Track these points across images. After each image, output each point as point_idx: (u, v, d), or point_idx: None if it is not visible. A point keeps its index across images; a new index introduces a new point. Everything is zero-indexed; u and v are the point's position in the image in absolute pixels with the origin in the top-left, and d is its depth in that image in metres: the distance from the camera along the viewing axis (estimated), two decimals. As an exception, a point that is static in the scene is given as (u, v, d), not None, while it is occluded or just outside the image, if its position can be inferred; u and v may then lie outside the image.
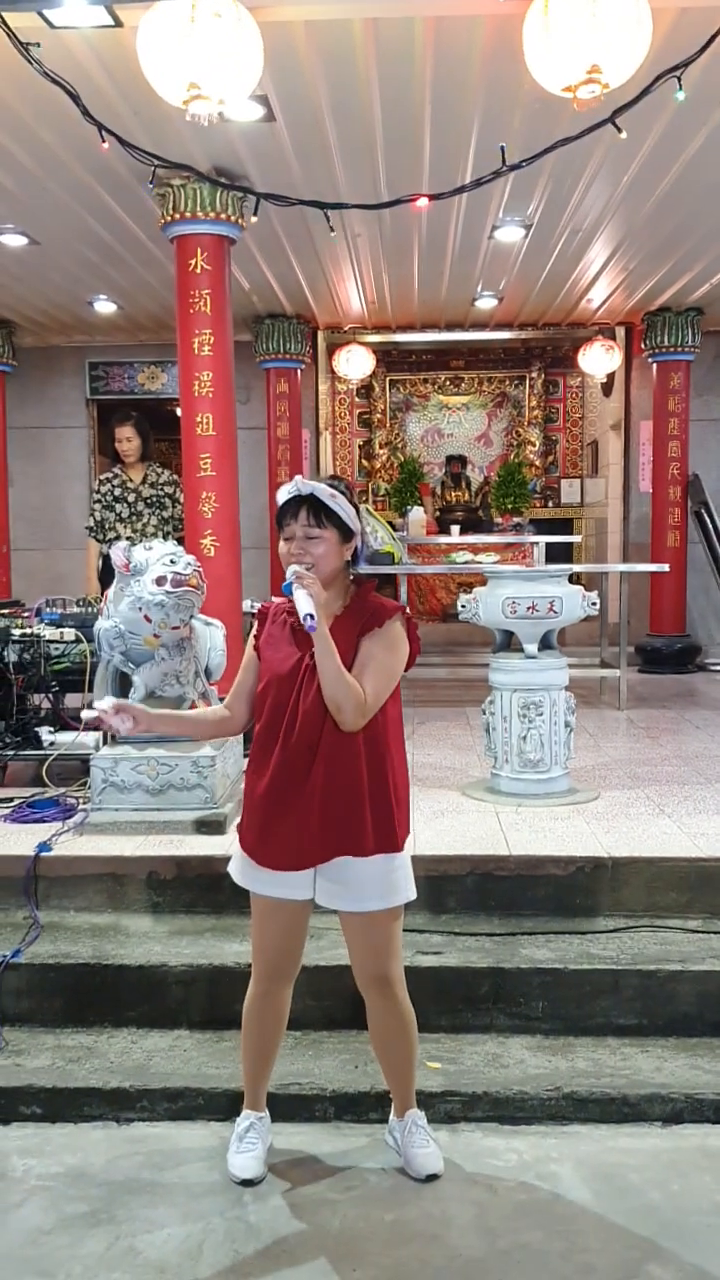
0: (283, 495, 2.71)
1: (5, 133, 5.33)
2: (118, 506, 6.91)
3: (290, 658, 2.76)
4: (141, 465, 6.94)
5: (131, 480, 6.93)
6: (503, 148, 4.37)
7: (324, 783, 2.71)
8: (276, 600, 2.93)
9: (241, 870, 2.90)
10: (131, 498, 6.90)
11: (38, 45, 3.82)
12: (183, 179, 5.74)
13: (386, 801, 2.77)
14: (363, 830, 2.74)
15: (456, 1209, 2.87)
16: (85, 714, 2.73)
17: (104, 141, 4.15)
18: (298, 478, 2.72)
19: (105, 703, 2.75)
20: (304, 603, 2.58)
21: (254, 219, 4.78)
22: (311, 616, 2.56)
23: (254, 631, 2.90)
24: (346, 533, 2.72)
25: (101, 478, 7.09)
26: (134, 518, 6.90)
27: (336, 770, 2.71)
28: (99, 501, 6.96)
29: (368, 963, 2.87)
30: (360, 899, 2.79)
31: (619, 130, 3.98)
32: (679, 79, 3.75)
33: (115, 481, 6.95)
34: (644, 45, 3.50)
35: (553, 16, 3.40)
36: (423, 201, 4.71)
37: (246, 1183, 2.95)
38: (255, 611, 2.97)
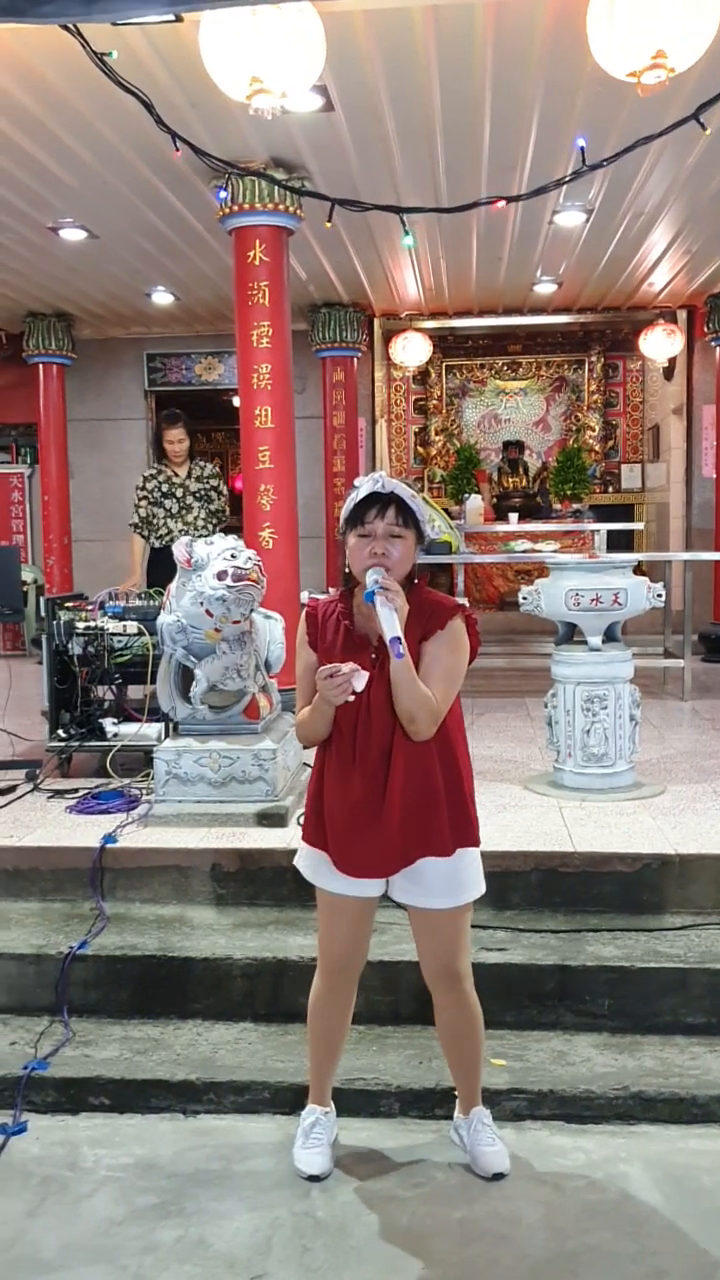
0: (362, 491, 2.63)
1: (67, 130, 5.37)
2: (166, 502, 6.91)
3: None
4: (187, 461, 6.96)
5: (177, 475, 6.92)
6: (583, 148, 4.26)
7: (402, 789, 2.69)
8: (322, 597, 2.89)
9: (311, 866, 2.90)
10: (179, 492, 6.91)
11: (111, 54, 3.81)
12: (242, 169, 5.73)
13: (461, 797, 2.77)
14: (442, 831, 2.73)
15: (524, 1208, 2.85)
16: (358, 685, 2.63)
17: (176, 150, 4.15)
18: (381, 475, 2.65)
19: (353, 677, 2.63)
20: (390, 623, 2.52)
21: (328, 225, 4.75)
22: (399, 641, 2.51)
23: (306, 634, 2.83)
24: (420, 534, 2.69)
25: (145, 475, 7.05)
26: (184, 511, 6.90)
27: (413, 775, 2.70)
28: (145, 498, 6.94)
29: (437, 958, 2.86)
30: (435, 895, 2.78)
31: (704, 128, 3.87)
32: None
33: (160, 478, 6.94)
34: (712, 28, 3.42)
35: (617, 1, 3.33)
36: (500, 204, 4.64)
37: (313, 1178, 2.96)
38: (304, 610, 2.92)
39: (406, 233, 4.68)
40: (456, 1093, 3.10)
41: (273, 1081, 3.36)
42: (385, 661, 2.66)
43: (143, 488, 7.01)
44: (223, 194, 5.55)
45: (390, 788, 2.69)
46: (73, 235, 7.22)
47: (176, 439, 6.88)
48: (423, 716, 2.62)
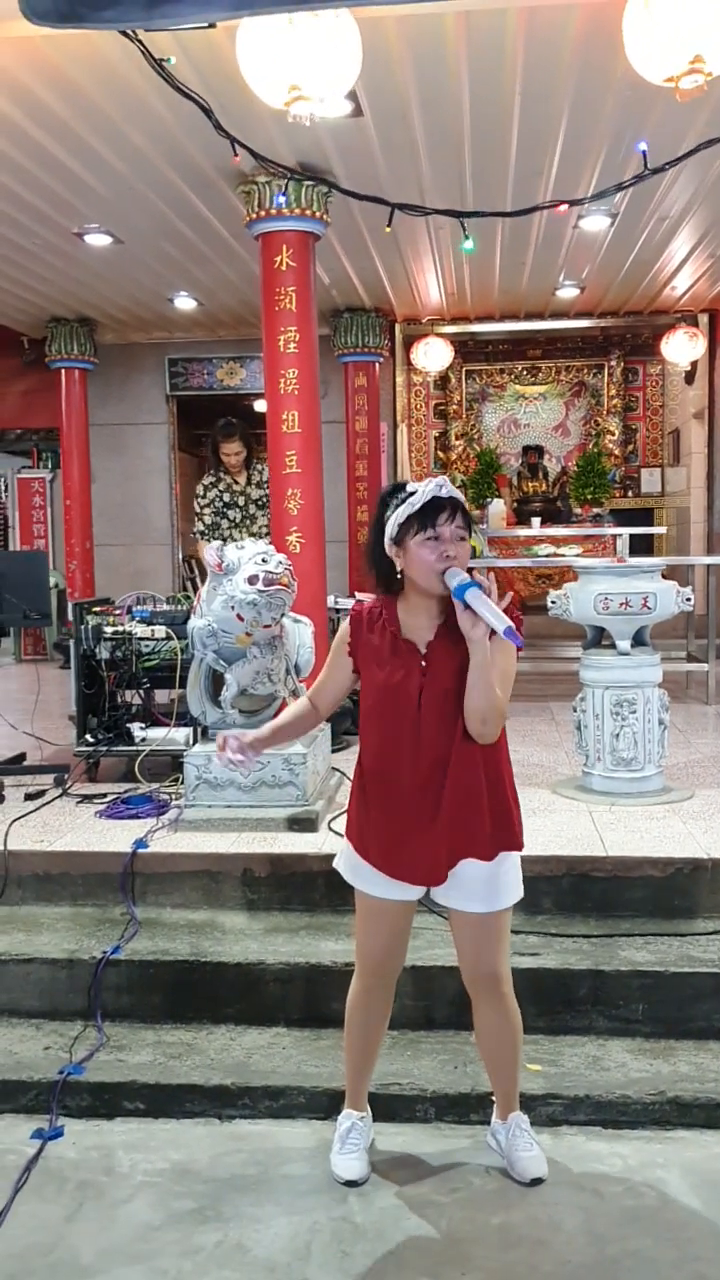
0: (426, 494, 2.62)
1: (95, 135, 5.39)
2: (230, 513, 6.86)
3: (398, 672, 2.70)
4: (245, 469, 6.90)
5: (237, 483, 6.86)
6: (644, 151, 4.25)
7: (452, 796, 2.69)
8: (365, 600, 2.88)
9: (352, 868, 2.89)
10: (242, 501, 6.86)
11: (170, 60, 3.83)
12: (269, 175, 5.75)
13: (504, 801, 2.78)
14: (483, 834, 2.74)
15: (563, 1214, 2.84)
16: (217, 761, 2.74)
17: (235, 155, 4.16)
18: (443, 480, 2.65)
19: (222, 759, 2.74)
20: (496, 614, 2.52)
21: (388, 230, 4.77)
22: (514, 630, 2.52)
23: (347, 636, 2.81)
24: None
25: (205, 483, 6.95)
26: (247, 521, 6.85)
27: (462, 782, 2.70)
28: (209, 506, 6.88)
29: (479, 961, 2.86)
30: (475, 899, 2.78)
31: None
32: None
33: (220, 487, 6.87)
34: (749, 31, 3.41)
35: (655, 6, 3.33)
36: (563, 208, 4.63)
37: (351, 1183, 2.95)
38: (348, 612, 2.88)
39: (466, 237, 4.65)
40: (494, 1097, 3.10)
41: (307, 1086, 3.35)
42: (434, 670, 2.67)
43: (203, 496, 6.91)
44: (281, 198, 5.57)
45: (445, 796, 2.69)
46: (98, 241, 7.25)
47: (234, 452, 6.79)
48: (494, 718, 2.63)
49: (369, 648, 2.76)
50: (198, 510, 6.95)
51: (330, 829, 4.46)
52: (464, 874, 2.75)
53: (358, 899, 2.90)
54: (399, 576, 2.69)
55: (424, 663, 2.68)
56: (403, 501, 2.65)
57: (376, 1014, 3.00)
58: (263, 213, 5.93)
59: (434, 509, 2.61)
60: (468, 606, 2.54)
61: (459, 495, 2.66)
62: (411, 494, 2.64)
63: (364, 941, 2.94)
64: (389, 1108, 3.27)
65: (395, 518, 2.65)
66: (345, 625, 2.83)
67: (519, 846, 2.83)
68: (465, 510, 2.65)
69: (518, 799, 2.87)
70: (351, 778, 2.93)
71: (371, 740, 2.79)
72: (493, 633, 2.56)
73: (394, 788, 2.73)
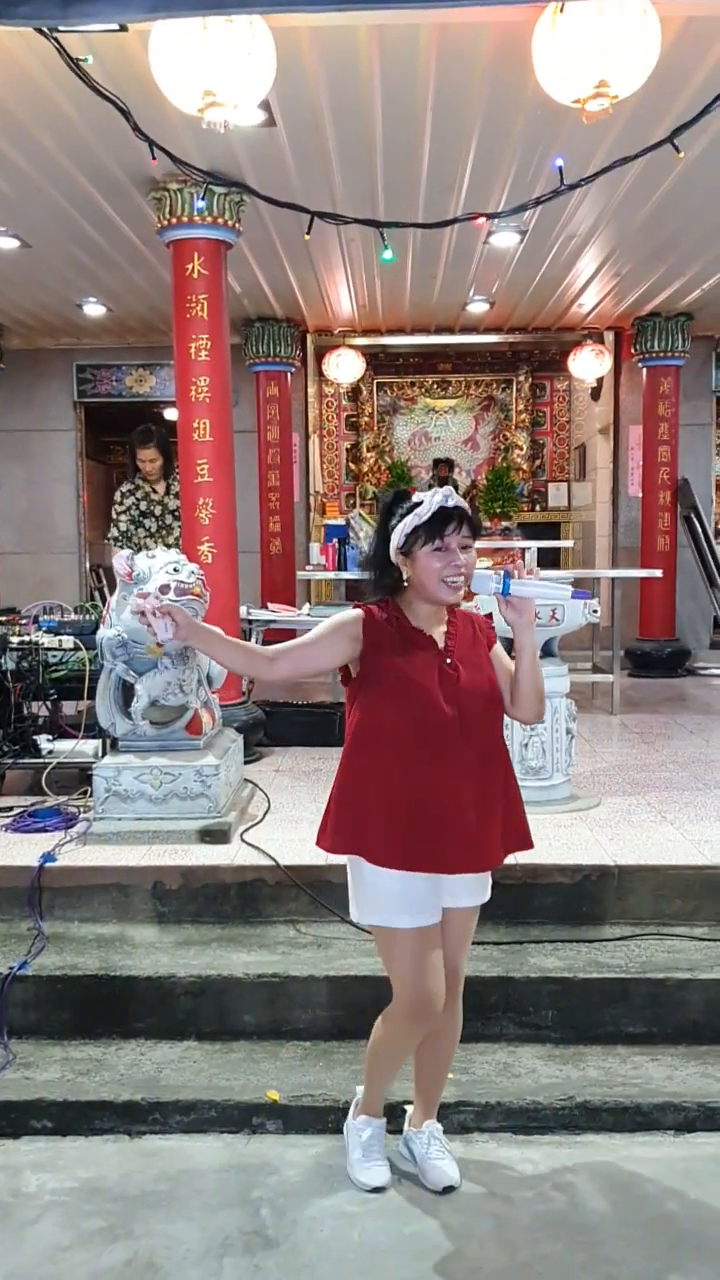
0: (432, 506, 2.63)
1: (3, 137, 5.29)
2: (146, 521, 6.83)
3: (418, 660, 2.68)
4: (164, 478, 6.86)
5: (155, 492, 6.84)
6: (560, 167, 4.31)
7: (503, 784, 2.78)
8: (371, 604, 2.78)
9: (406, 906, 2.72)
10: (158, 510, 6.83)
11: (87, 60, 3.78)
12: (180, 182, 5.72)
13: (518, 793, 2.88)
14: (525, 822, 2.86)
15: (475, 1221, 2.86)
16: (135, 602, 2.65)
17: (154, 158, 4.12)
18: (449, 490, 2.67)
19: (152, 601, 2.68)
20: (552, 586, 2.65)
21: (307, 237, 4.76)
22: (580, 592, 2.69)
23: (359, 625, 2.70)
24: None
25: (123, 490, 6.93)
26: (163, 531, 6.81)
27: (505, 770, 2.79)
28: (125, 513, 6.85)
29: (454, 958, 2.90)
30: (480, 891, 2.90)
31: (678, 151, 3.98)
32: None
33: (138, 494, 6.85)
34: (652, 57, 3.50)
35: (561, 29, 3.40)
36: (481, 220, 4.70)
37: (378, 1189, 2.96)
38: (361, 608, 2.75)
39: (385, 246, 4.67)
40: (409, 1105, 3.11)
41: (219, 1100, 3.32)
42: (458, 664, 2.70)
43: (120, 503, 6.88)
44: (200, 203, 5.55)
45: (494, 782, 2.75)
46: (5, 244, 7.11)
47: (149, 459, 6.76)
48: (543, 695, 2.77)
49: (385, 639, 2.71)
50: (114, 516, 6.89)
51: (243, 840, 4.43)
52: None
53: (403, 941, 2.74)
54: (405, 583, 2.71)
55: (448, 659, 2.70)
56: (409, 511, 2.66)
57: (415, 1044, 2.95)
58: (174, 220, 5.89)
59: (441, 520, 2.64)
60: (510, 599, 2.63)
61: (464, 504, 2.69)
62: (418, 504, 2.66)
63: (421, 982, 2.77)
64: (301, 1119, 3.27)
65: (402, 528, 2.66)
66: (353, 615, 2.74)
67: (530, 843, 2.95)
68: (471, 518, 2.67)
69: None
70: (352, 799, 2.74)
71: (397, 726, 2.68)
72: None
73: (447, 789, 2.66)
